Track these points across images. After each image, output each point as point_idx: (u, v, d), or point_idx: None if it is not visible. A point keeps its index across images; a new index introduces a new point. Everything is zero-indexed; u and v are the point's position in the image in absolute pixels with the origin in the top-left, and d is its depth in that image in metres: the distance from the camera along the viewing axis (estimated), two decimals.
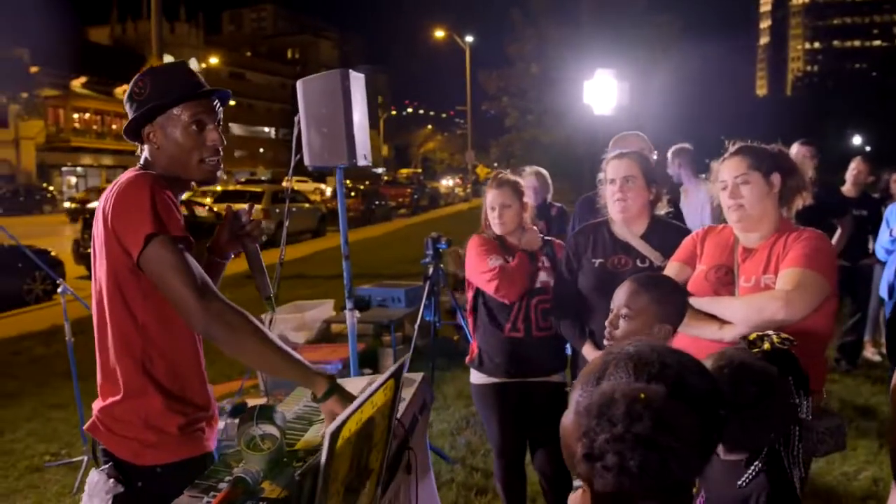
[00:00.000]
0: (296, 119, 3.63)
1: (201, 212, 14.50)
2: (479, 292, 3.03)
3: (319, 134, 3.52)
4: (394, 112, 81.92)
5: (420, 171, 60.26)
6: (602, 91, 9.01)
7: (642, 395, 0.91)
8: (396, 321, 6.12)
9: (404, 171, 57.47)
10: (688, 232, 2.61)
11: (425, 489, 2.23)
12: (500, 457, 3.05)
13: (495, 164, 28.68)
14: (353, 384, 1.91)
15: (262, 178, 37.52)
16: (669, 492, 0.93)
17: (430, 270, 4.96)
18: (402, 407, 1.94)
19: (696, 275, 2.31)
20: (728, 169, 2.23)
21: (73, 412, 4.57)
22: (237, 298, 1.73)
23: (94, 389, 1.83)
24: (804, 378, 1.54)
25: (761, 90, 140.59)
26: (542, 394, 2.96)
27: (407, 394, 2.10)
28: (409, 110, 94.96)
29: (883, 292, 4.94)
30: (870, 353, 5.98)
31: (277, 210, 16.09)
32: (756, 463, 1.43)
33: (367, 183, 31.90)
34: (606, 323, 1.99)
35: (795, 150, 4.96)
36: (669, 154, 5.21)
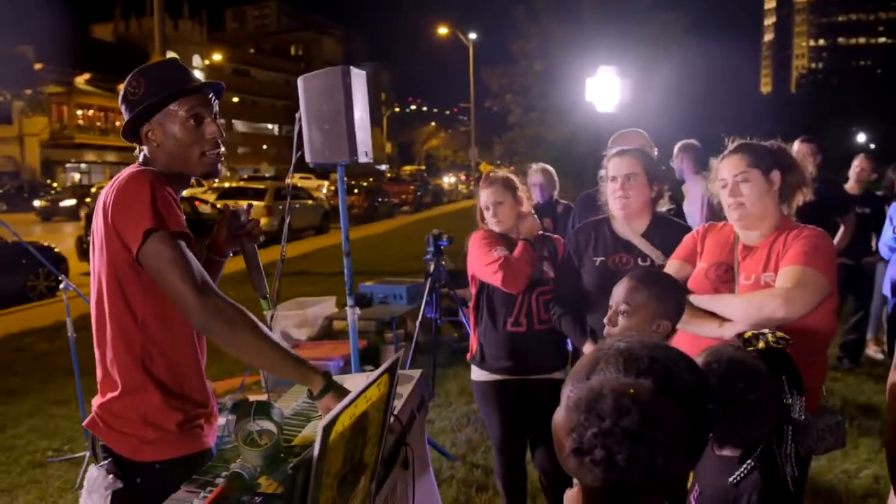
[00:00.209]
0: (297, 116, 3.63)
1: (204, 208, 14.52)
2: (482, 288, 3.02)
3: (321, 131, 3.52)
4: (397, 109, 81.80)
5: (423, 168, 60.19)
6: (605, 88, 9.02)
7: (630, 390, 0.91)
8: (398, 318, 6.12)
9: (408, 168, 57.36)
10: (689, 230, 2.60)
11: (424, 486, 2.23)
12: (501, 454, 3.06)
13: (498, 162, 28.63)
14: (354, 381, 1.91)
15: (266, 174, 37.53)
16: (660, 486, 0.93)
17: (432, 267, 4.97)
18: (398, 403, 1.94)
19: (697, 272, 2.31)
20: (727, 167, 2.22)
21: (76, 408, 4.60)
22: (238, 297, 1.73)
23: (96, 386, 1.83)
24: (798, 377, 1.53)
25: (765, 87, 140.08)
26: (544, 391, 2.95)
27: (405, 390, 2.10)
28: (413, 107, 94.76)
29: (886, 290, 4.93)
30: (872, 351, 5.97)
31: (280, 207, 16.11)
32: (749, 461, 1.43)
33: (370, 180, 31.89)
34: (605, 319, 1.99)
35: (796, 147, 4.94)
36: (675, 149, 5.21)
